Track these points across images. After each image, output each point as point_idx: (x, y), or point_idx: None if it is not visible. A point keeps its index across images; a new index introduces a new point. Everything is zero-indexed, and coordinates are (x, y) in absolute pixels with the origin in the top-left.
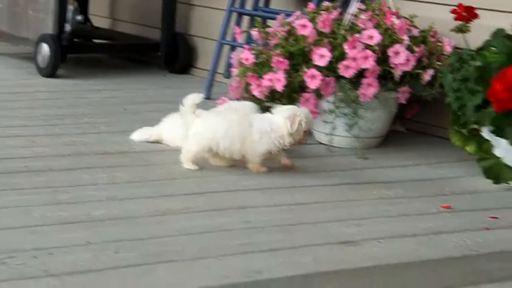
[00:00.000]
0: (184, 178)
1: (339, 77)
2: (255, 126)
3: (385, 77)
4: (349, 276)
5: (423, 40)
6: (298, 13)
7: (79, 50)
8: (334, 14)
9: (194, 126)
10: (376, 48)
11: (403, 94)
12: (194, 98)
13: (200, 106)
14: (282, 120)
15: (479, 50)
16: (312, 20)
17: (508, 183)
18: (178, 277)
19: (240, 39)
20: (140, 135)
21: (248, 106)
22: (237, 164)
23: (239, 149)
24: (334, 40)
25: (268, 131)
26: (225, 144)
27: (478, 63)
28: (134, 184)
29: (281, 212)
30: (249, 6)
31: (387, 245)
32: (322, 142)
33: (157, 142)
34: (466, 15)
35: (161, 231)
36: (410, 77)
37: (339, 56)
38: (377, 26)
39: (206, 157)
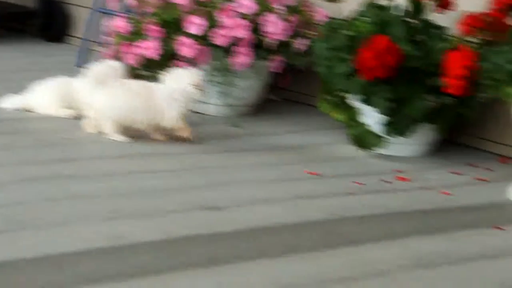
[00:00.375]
0: (52, 146)
1: (213, 46)
2: (161, 94)
3: (258, 46)
4: (212, 240)
5: (298, 10)
6: None
7: None
8: None
9: (98, 98)
10: (250, 17)
11: (276, 63)
12: (99, 68)
13: (74, 74)
14: (186, 84)
15: (351, 20)
16: None
17: (373, 150)
18: (42, 243)
19: (116, 7)
20: (11, 103)
21: (115, 66)
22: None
23: (146, 119)
24: (208, 9)
25: (175, 96)
26: (129, 115)
27: (348, 32)
28: (0, 151)
29: (148, 179)
30: None
31: (253, 210)
32: (196, 110)
33: (28, 110)
34: None
35: (26, 198)
36: (283, 46)
37: (213, 25)
38: None
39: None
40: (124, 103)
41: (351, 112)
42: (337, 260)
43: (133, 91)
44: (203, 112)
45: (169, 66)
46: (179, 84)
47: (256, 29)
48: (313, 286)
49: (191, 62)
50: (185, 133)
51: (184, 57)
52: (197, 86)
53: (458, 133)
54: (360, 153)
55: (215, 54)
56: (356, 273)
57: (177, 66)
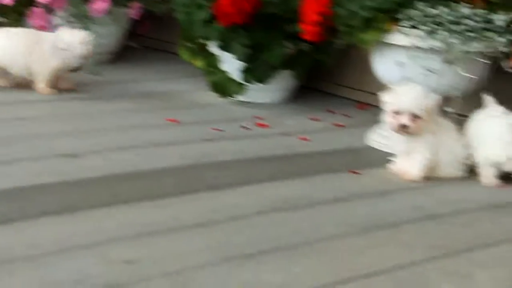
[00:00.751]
0: None
1: None
2: (47, 42)
3: None
4: (66, 187)
5: None
6: None
7: None
8: None
9: None
10: None
11: (135, 10)
12: None
13: None
14: (77, 40)
15: None
16: None
17: (233, 97)
18: None
19: None
20: None
21: None
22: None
23: (24, 64)
24: None
25: (62, 48)
26: (6, 59)
27: None
28: None
29: (3, 126)
30: None
31: (110, 157)
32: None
33: None
34: None
35: None
36: None
37: None
38: None
39: None
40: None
41: (211, 59)
42: (195, 205)
43: (15, 36)
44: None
45: (25, 12)
46: (69, 38)
47: None
48: (170, 231)
49: (48, 8)
50: (64, 84)
51: (40, 3)
52: (85, 45)
53: (316, 79)
54: (220, 100)
55: (72, 0)
56: (214, 218)
57: (32, 12)
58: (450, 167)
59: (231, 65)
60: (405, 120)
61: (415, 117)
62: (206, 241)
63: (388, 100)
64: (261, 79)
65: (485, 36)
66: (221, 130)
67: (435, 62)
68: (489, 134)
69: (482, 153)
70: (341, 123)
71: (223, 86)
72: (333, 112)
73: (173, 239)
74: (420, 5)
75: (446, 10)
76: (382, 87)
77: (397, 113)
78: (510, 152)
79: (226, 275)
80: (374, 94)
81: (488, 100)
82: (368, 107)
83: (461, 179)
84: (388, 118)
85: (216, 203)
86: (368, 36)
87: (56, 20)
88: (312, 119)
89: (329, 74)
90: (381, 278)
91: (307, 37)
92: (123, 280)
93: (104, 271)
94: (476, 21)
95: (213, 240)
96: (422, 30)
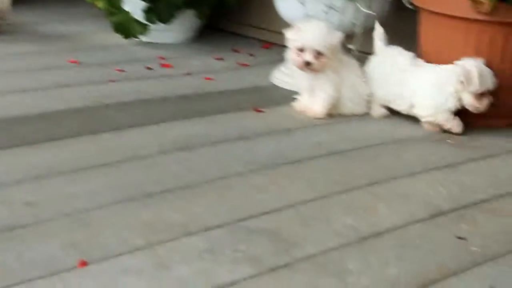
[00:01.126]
0: None
1: None
2: None
3: None
4: None
5: None
6: None
7: None
8: None
9: None
10: None
11: None
12: None
13: None
14: None
15: None
16: None
17: (137, 37)
18: None
19: None
20: None
21: None
22: None
23: None
24: None
25: None
26: None
27: None
28: None
29: None
30: None
31: (9, 99)
32: None
33: None
34: None
35: None
36: None
37: None
38: None
39: None
40: None
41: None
42: (96, 146)
43: None
44: None
45: None
46: None
47: None
48: (71, 172)
49: None
50: None
51: None
52: None
53: (221, 19)
54: (124, 41)
55: None
56: (115, 159)
57: None
58: (353, 104)
59: (133, 5)
60: (308, 57)
61: (318, 54)
62: (107, 181)
63: (292, 37)
64: (164, 19)
65: None
66: (124, 71)
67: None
68: (378, 73)
69: (373, 90)
70: (245, 63)
71: (126, 27)
72: (238, 52)
73: (74, 180)
74: None
75: None
76: (286, 25)
77: (301, 50)
78: (392, 91)
79: (127, 214)
80: (278, 33)
81: (380, 37)
82: (272, 46)
83: (364, 116)
84: (292, 55)
85: (117, 143)
86: None
87: None
88: (216, 58)
89: (234, 14)
90: (284, 214)
91: None
92: (24, 222)
93: (4, 213)
94: None
95: (114, 180)
96: None
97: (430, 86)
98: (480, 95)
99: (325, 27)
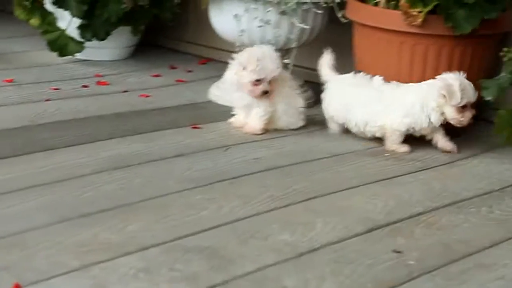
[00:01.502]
0: None
1: None
2: None
3: None
4: None
5: None
6: None
7: None
8: None
9: None
10: None
11: None
12: None
13: None
14: None
15: None
16: None
17: (73, 55)
18: None
19: None
20: None
21: None
22: None
23: None
24: None
25: None
26: None
27: None
28: None
29: None
30: None
31: None
32: None
33: None
34: None
35: None
36: None
37: None
38: None
39: None
40: None
41: (47, 17)
42: (30, 167)
43: None
44: None
45: None
46: None
47: None
48: (4, 193)
49: None
50: None
51: None
52: None
53: (158, 36)
54: (59, 59)
55: None
56: (50, 179)
57: None
58: (288, 117)
59: (67, 22)
60: (266, 86)
61: (272, 80)
62: (41, 202)
63: (251, 70)
64: (99, 36)
65: None
66: (59, 89)
67: (270, 14)
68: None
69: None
70: (183, 79)
71: (61, 45)
72: (175, 68)
73: (7, 200)
74: None
75: None
76: (221, 41)
77: (258, 81)
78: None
79: (62, 236)
80: (216, 48)
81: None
82: (210, 61)
83: (300, 131)
84: (247, 87)
85: (52, 164)
86: None
87: None
88: (153, 75)
89: (171, 30)
90: (220, 231)
91: None
92: None
93: None
94: None
95: (49, 201)
96: None
97: (410, 103)
98: (462, 108)
99: (273, 51)
